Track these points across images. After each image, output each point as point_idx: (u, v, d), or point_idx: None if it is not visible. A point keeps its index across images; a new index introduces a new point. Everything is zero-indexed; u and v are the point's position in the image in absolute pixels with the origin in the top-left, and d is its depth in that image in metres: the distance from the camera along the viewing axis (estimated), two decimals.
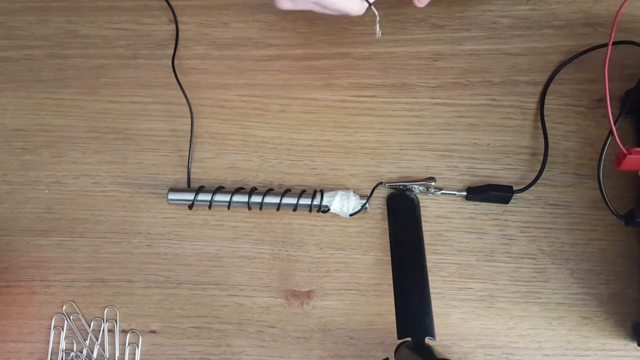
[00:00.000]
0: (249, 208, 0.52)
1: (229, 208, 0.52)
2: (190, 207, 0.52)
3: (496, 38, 0.55)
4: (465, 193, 0.53)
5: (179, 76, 0.55)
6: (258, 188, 0.53)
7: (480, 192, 0.52)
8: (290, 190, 0.53)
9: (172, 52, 0.56)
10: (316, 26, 0.55)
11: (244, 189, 0.53)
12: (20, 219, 0.55)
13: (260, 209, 0.52)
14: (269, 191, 0.52)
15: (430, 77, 0.55)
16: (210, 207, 0.52)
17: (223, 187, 0.53)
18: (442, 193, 0.53)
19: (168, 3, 0.56)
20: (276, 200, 0.52)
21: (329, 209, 0.52)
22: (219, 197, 0.52)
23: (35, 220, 0.54)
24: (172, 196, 0.52)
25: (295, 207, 0.52)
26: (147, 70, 0.55)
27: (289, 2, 0.44)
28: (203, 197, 0.52)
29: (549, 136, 0.53)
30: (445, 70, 0.55)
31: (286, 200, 0.52)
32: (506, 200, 0.52)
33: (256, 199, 0.52)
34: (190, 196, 0.52)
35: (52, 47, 0.56)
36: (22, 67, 0.56)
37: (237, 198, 0.52)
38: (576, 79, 0.54)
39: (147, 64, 0.55)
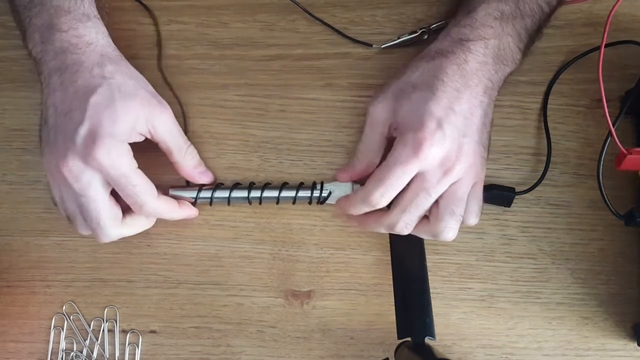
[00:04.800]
0: (249, 202, 0.52)
1: (229, 204, 0.52)
2: (194, 204, 0.52)
3: None
4: None
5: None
6: (256, 183, 0.53)
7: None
8: (288, 183, 0.52)
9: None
10: (316, 26, 0.55)
11: (241, 184, 0.53)
12: (20, 219, 0.54)
13: (260, 202, 0.52)
14: (267, 185, 0.52)
15: None
16: (211, 203, 0.52)
17: (222, 184, 0.53)
18: None
19: (144, 5, 0.56)
20: (275, 193, 0.52)
21: (330, 193, 0.51)
22: (219, 194, 0.52)
23: (35, 220, 0.54)
24: (172, 193, 0.52)
25: (294, 200, 0.52)
26: (147, 70, 0.55)
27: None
28: (204, 194, 0.52)
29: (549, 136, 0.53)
30: None
31: (285, 193, 0.52)
32: (508, 203, 0.52)
33: (255, 193, 0.52)
34: (192, 194, 0.52)
35: None
36: (22, 67, 0.56)
37: (236, 193, 0.52)
38: (576, 79, 0.54)
39: (147, 64, 0.55)
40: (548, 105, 0.54)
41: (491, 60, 0.47)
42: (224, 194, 0.52)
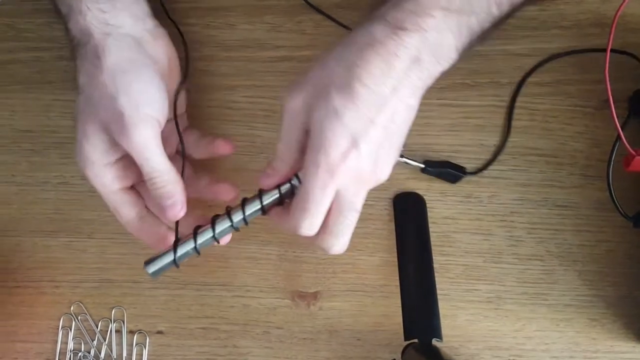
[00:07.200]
0: (236, 229, 0.46)
1: (217, 243, 0.46)
2: (176, 263, 0.45)
3: (504, 39, 0.54)
4: (422, 165, 0.52)
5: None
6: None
7: (436, 167, 0.53)
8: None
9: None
10: (323, 27, 0.55)
11: (218, 215, 0.45)
12: (28, 219, 0.55)
13: (246, 223, 0.46)
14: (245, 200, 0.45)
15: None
16: (198, 253, 0.45)
17: (201, 226, 0.45)
18: (404, 162, 0.52)
19: (178, 29, 0.55)
20: (257, 205, 0.45)
21: None
22: (201, 239, 0.44)
23: (44, 221, 0.55)
24: (148, 268, 0.44)
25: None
26: None
27: None
28: (183, 250, 0.44)
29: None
30: (452, 71, 0.54)
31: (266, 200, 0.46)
32: (454, 180, 0.52)
33: (237, 216, 0.45)
34: (170, 257, 0.44)
35: (60, 49, 0.56)
36: (31, 68, 0.56)
37: (220, 227, 0.45)
38: (584, 80, 0.54)
39: None
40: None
41: (426, 58, 0.41)
42: (208, 235, 0.44)
